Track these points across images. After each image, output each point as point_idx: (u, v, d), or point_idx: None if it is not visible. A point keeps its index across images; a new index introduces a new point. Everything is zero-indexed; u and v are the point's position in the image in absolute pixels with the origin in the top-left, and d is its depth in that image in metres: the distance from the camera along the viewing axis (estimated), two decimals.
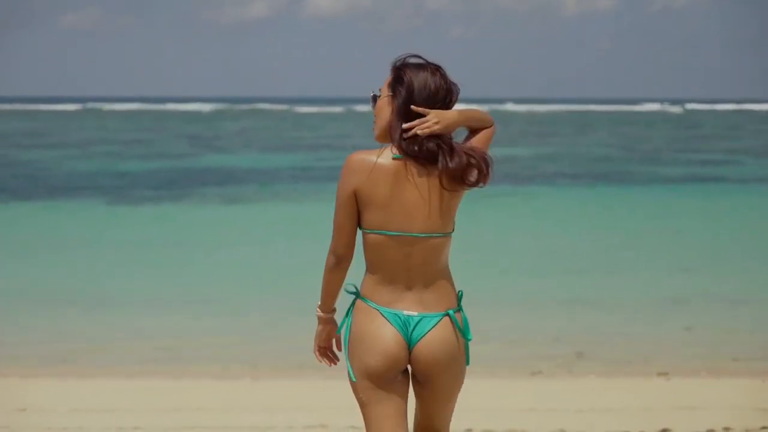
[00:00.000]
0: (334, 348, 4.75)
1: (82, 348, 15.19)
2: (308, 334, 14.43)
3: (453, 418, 10.13)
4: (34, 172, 45.64)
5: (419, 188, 4.45)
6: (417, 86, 4.57)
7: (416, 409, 4.82)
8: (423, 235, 4.46)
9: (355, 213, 4.46)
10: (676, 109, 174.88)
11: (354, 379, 4.56)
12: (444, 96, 4.68)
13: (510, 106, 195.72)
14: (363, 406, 4.57)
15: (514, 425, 10.53)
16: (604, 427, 10.42)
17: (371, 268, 4.54)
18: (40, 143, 68.51)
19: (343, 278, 4.62)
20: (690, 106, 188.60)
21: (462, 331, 4.66)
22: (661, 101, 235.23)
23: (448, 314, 4.57)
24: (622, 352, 14.73)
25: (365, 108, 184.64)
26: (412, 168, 4.47)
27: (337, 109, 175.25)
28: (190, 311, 17.64)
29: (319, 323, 4.72)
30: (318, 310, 4.70)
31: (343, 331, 4.65)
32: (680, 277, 20.68)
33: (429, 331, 4.48)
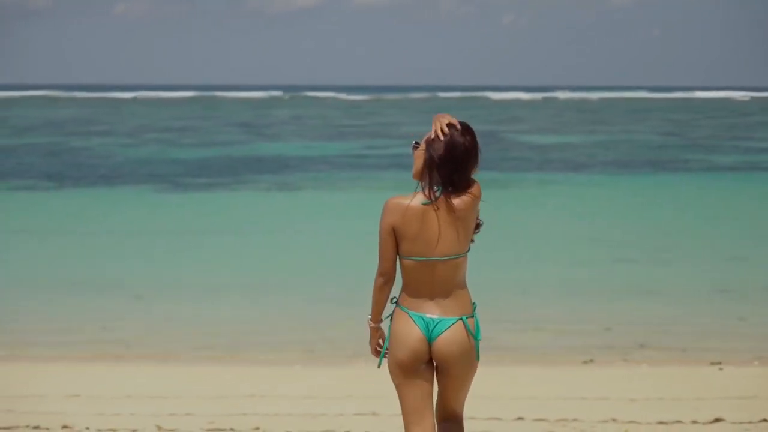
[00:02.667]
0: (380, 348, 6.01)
1: (134, 334, 15.28)
2: (360, 323, 14.56)
3: (503, 406, 10.13)
4: (86, 160, 45.96)
5: (440, 224, 5.64)
6: (444, 146, 5.69)
7: (438, 394, 5.96)
8: (443, 258, 5.66)
9: (395, 243, 5.71)
10: (733, 96, 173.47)
11: (389, 366, 5.86)
12: (467, 153, 5.72)
13: (562, 94, 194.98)
14: (396, 387, 5.87)
15: (565, 414, 10.48)
16: (656, 416, 10.35)
17: (405, 284, 5.81)
18: (93, 131, 68.99)
19: (389, 294, 5.85)
20: (743, 93, 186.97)
21: (472, 334, 5.77)
22: (713, 89, 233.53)
23: (461, 319, 5.72)
24: (675, 342, 14.64)
25: (418, 95, 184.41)
26: (435, 209, 5.64)
27: (389, 96, 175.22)
28: (241, 298, 17.70)
29: (371, 333, 6.00)
30: (369, 321, 5.99)
31: (387, 331, 5.93)
32: (735, 266, 20.52)
33: (444, 331, 5.69)
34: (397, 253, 5.77)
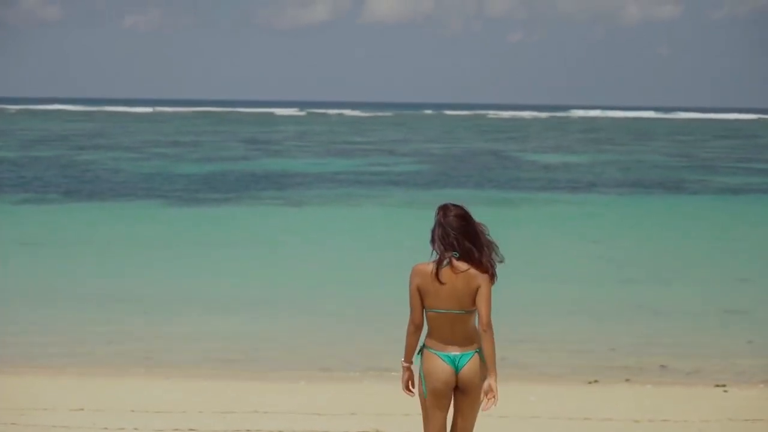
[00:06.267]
0: (410, 387, 7.49)
1: (139, 349, 15.28)
2: (366, 340, 14.42)
3: (508, 425, 10.27)
4: (94, 174, 46.02)
5: (452, 286, 7.16)
6: (446, 227, 7.21)
7: (454, 415, 7.40)
8: (456, 311, 7.18)
9: (420, 298, 7.24)
10: (741, 117, 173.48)
11: (425, 395, 7.33)
12: (472, 229, 7.24)
13: (570, 113, 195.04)
14: (426, 409, 7.35)
15: None
16: None
17: (431, 331, 7.29)
18: (101, 144, 69.10)
19: (419, 339, 7.32)
20: (751, 115, 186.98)
21: (484, 361, 7.26)
22: (721, 110, 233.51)
23: (476, 352, 7.27)
24: (680, 363, 14.62)
25: (426, 112, 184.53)
26: (444, 276, 7.15)
27: (396, 113, 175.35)
28: (245, 314, 17.70)
29: (403, 371, 7.44)
30: (402, 362, 7.41)
31: (418, 369, 7.35)
32: (740, 288, 20.50)
33: (467, 362, 7.25)
34: (423, 306, 7.29)
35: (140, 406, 11.60)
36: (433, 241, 7.29)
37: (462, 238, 7.21)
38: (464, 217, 7.24)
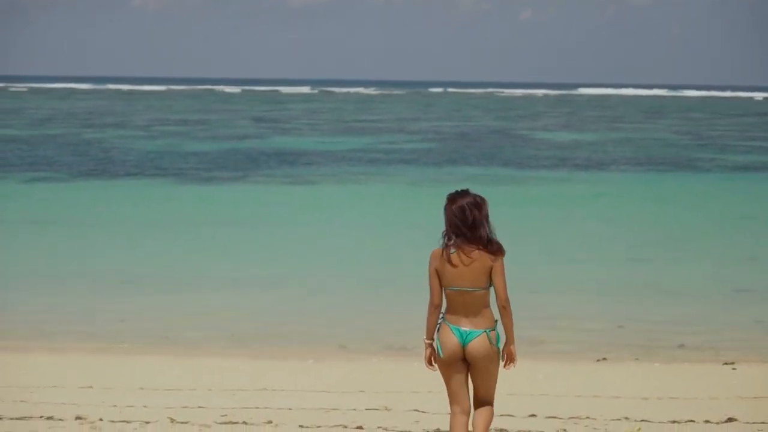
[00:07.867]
0: (432, 362, 8.13)
1: (149, 327, 15.31)
2: (375, 319, 14.43)
3: (516, 403, 10.37)
4: (104, 152, 46.03)
5: (465, 266, 7.87)
6: (451, 216, 7.90)
7: (472, 387, 8.12)
8: (469, 289, 7.90)
9: (438, 280, 7.97)
10: (752, 96, 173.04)
11: (438, 362, 8.06)
12: (472, 217, 7.87)
13: (580, 91, 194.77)
14: (443, 377, 8.11)
15: (578, 411, 10.48)
16: (669, 415, 10.33)
17: (448, 306, 8.02)
18: (110, 123, 69.13)
19: (439, 317, 8.07)
20: (762, 93, 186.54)
21: (493, 342, 8.00)
22: (731, 88, 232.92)
23: (485, 332, 7.96)
24: (688, 341, 14.62)
25: (436, 90, 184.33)
26: (457, 258, 7.86)
27: (405, 92, 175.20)
28: (254, 292, 17.72)
29: (425, 347, 8.12)
30: (424, 339, 8.12)
31: (436, 337, 8.13)
32: (750, 266, 20.47)
33: (473, 339, 7.96)
34: (441, 286, 8.00)
35: (149, 384, 11.63)
36: (444, 229, 8.01)
37: (466, 226, 7.91)
38: (466, 207, 7.92)
